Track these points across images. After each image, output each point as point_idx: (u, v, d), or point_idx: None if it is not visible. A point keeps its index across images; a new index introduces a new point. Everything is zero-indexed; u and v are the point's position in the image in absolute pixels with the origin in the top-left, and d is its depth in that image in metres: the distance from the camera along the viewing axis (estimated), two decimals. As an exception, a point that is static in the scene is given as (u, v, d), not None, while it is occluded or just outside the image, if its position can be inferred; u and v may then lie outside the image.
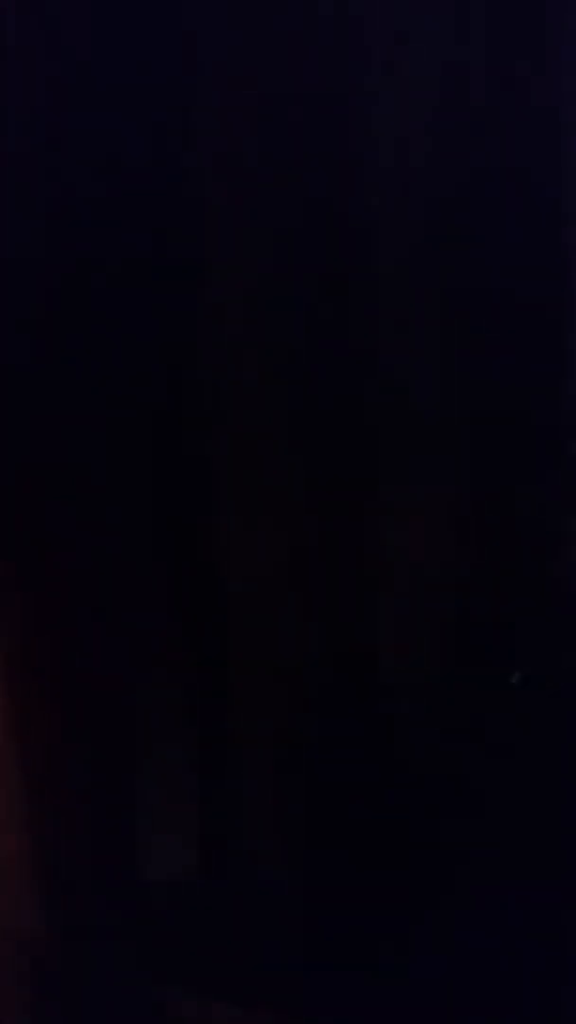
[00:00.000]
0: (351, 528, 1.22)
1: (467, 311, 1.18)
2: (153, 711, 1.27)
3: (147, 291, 1.19)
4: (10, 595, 1.22)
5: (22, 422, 1.20)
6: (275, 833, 1.26)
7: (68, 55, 1.17)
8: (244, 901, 1.26)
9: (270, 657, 1.24)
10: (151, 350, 1.20)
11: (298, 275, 1.18)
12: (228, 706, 1.26)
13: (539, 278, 1.17)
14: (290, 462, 1.22)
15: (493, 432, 1.19)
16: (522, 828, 1.17)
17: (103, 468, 1.21)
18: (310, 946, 1.22)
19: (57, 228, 1.18)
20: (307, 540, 1.23)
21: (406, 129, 1.16)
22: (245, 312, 1.20)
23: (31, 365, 1.20)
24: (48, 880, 1.25)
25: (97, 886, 1.27)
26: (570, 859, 1.16)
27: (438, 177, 1.16)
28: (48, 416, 1.20)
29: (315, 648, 1.24)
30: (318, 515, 1.23)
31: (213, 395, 1.22)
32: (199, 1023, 1.24)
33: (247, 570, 1.24)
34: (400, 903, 1.19)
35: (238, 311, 1.20)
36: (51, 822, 1.25)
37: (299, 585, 1.24)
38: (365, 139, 1.16)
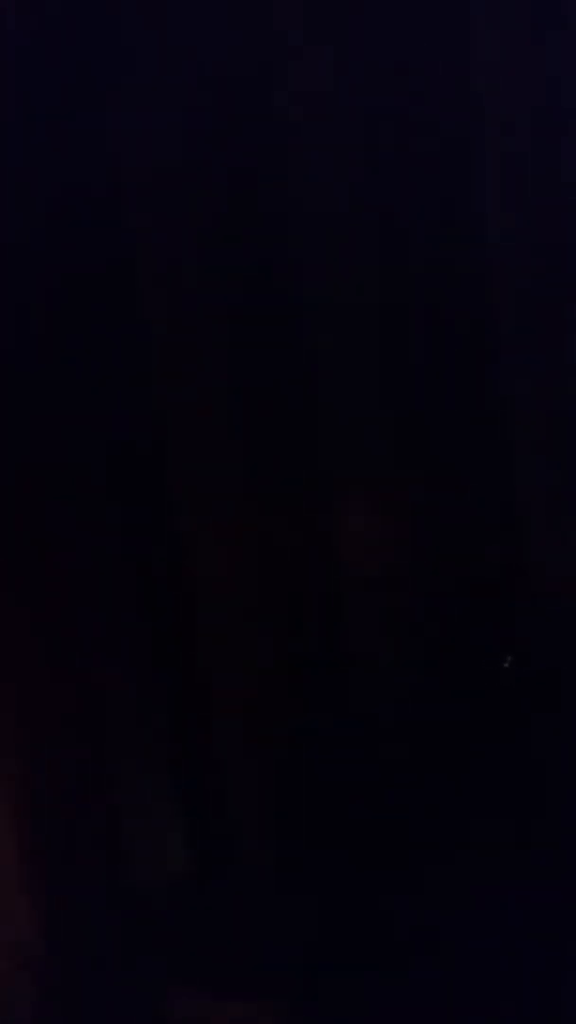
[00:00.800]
0: (319, 527, 1.23)
1: (408, 305, 1.19)
2: (136, 714, 1.27)
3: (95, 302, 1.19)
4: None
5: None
6: (264, 830, 1.27)
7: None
8: (237, 898, 1.26)
9: (248, 656, 1.25)
10: (96, 359, 1.20)
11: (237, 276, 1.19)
12: (211, 707, 1.26)
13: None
14: (253, 459, 1.22)
15: (450, 424, 1.21)
16: (507, 821, 1.18)
17: (61, 471, 1.22)
18: (305, 941, 1.22)
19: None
20: (274, 535, 1.23)
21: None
22: (183, 322, 1.20)
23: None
24: (40, 887, 1.25)
25: (89, 890, 1.27)
26: (555, 848, 1.16)
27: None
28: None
29: (292, 647, 1.25)
30: (284, 513, 1.23)
31: (165, 400, 1.22)
32: (197, 1022, 1.24)
33: (216, 570, 1.24)
34: (393, 896, 1.19)
35: (174, 321, 1.20)
36: (41, 827, 1.25)
37: (269, 584, 1.24)
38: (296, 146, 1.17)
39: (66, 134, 1.14)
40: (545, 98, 1.17)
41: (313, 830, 1.24)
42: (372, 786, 1.22)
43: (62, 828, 1.27)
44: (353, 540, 1.24)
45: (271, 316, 1.19)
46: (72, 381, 1.19)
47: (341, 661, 1.25)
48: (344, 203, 1.18)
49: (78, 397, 1.20)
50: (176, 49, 1.14)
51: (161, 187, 1.17)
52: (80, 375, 1.19)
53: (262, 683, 1.26)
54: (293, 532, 1.25)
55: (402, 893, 1.20)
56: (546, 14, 1.15)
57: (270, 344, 1.20)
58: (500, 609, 1.25)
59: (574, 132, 1.18)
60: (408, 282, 1.19)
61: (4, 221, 1.16)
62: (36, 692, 1.25)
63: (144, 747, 1.28)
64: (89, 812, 1.27)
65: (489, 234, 1.19)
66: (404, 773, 1.22)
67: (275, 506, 1.25)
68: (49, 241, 1.17)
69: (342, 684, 1.25)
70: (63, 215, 1.16)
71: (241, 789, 1.28)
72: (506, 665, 1.23)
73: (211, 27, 1.13)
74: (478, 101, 1.17)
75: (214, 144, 1.15)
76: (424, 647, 1.24)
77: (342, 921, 1.21)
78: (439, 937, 1.19)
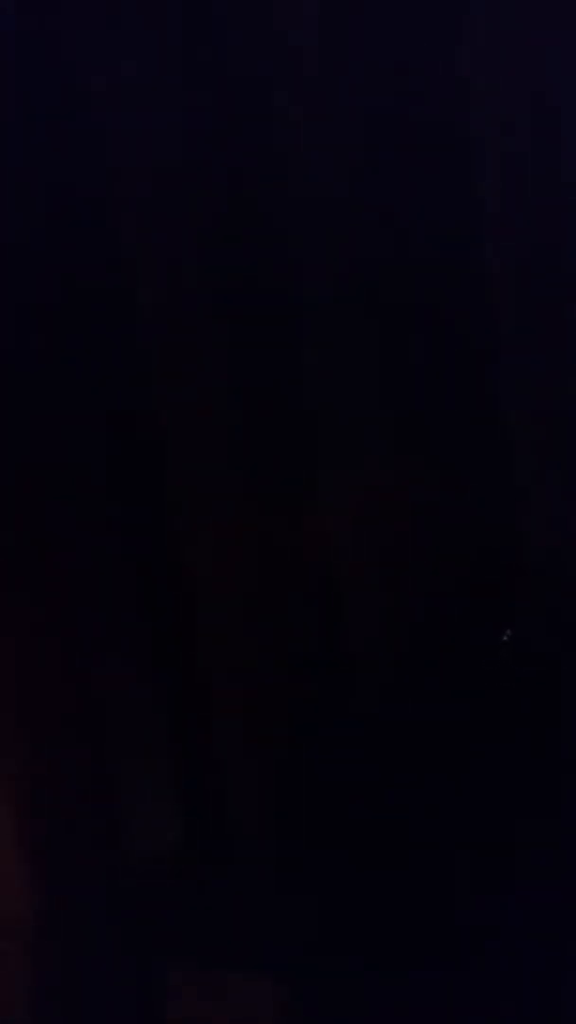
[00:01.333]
0: (316, 524, 1.24)
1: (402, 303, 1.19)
2: (134, 701, 1.28)
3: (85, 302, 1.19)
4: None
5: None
6: (257, 806, 1.28)
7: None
8: (231, 872, 1.27)
9: (243, 642, 1.26)
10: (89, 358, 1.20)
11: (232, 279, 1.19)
12: (208, 696, 1.27)
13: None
14: (250, 456, 1.23)
15: (448, 421, 1.22)
16: (498, 807, 1.19)
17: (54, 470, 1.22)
18: (298, 914, 1.23)
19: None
20: (271, 529, 1.24)
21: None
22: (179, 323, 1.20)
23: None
24: (35, 865, 1.26)
25: (84, 866, 1.28)
26: (555, 844, 1.18)
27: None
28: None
29: (287, 633, 1.26)
30: (281, 509, 1.24)
31: (162, 399, 1.22)
32: (193, 994, 1.25)
33: (212, 564, 1.25)
34: (383, 875, 1.21)
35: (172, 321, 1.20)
36: (35, 807, 1.26)
37: (266, 580, 1.25)
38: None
39: (61, 133, 1.14)
40: (544, 96, 1.17)
41: (311, 818, 1.25)
42: (370, 774, 1.23)
43: (59, 811, 1.27)
44: (350, 537, 1.25)
45: (268, 315, 1.19)
46: (68, 380, 1.19)
47: (338, 654, 1.26)
48: (342, 201, 1.18)
49: (74, 396, 1.19)
50: (172, 47, 1.13)
51: (157, 186, 1.16)
52: (76, 374, 1.19)
53: (260, 674, 1.27)
54: (290, 526, 1.25)
55: (401, 879, 1.21)
56: (544, 13, 1.15)
57: (268, 343, 1.20)
58: (498, 606, 1.25)
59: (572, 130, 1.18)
60: (406, 280, 1.19)
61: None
62: (34, 679, 1.26)
63: (141, 731, 1.29)
64: (86, 794, 1.28)
65: (488, 232, 1.19)
66: (400, 761, 1.23)
67: (272, 503, 1.25)
68: (45, 240, 1.16)
69: (339, 676, 1.26)
70: (58, 214, 1.15)
71: (239, 774, 1.29)
72: (505, 639, 1.24)
73: (209, 25, 1.12)
74: (476, 98, 1.16)
75: (211, 143, 1.14)
76: (422, 643, 1.25)
77: (340, 905, 1.23)
78: (438, 923, 1.20)
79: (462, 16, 1.15)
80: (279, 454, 1.23)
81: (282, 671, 1.27)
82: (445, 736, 1.21)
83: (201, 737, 1.28)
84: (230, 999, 1.25)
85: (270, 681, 1.27)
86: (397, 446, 1.24)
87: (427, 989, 1.18)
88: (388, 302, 1.20)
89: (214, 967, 1.27)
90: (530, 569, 1.25)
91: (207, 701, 1.27)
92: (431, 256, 1.19)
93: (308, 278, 1.19)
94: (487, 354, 1.22)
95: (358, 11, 1.13)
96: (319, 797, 1.25)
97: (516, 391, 1.23)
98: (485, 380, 1.22)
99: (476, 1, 1.14)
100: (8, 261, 1.16)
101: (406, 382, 1.22)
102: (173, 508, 1.23)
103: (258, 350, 1.21)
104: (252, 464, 1.24)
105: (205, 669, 1.27)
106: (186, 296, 1.19)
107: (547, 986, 1.16)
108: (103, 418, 1.20)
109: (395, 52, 1.15)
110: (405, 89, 1.16)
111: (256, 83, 1.14)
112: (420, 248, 1.18)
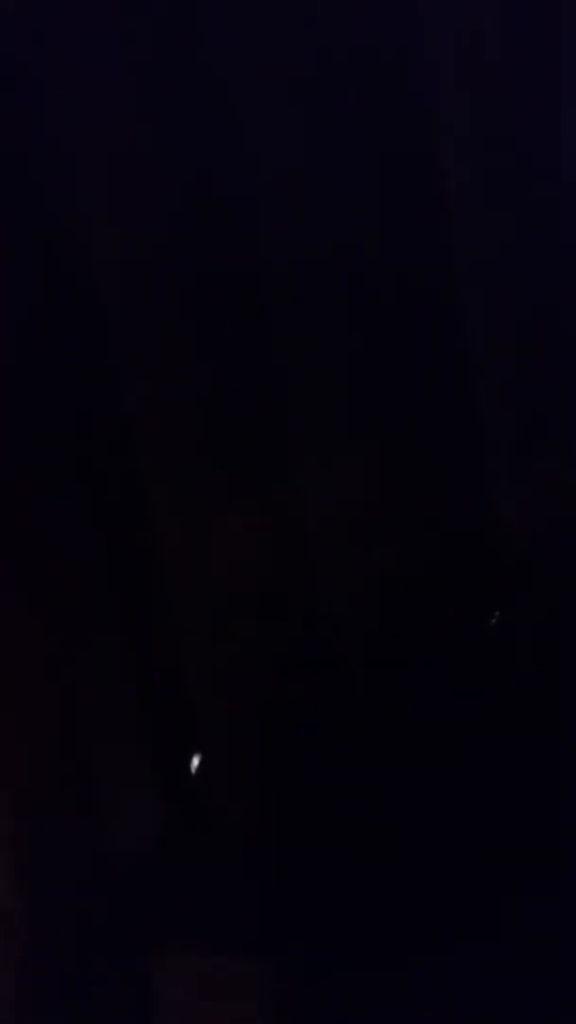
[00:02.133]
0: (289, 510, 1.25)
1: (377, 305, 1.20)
2: (112, 685, 1.28)
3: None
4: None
5: None
6: (238, 790, 1.29)
7: None
8: (215, 856, 1.28)
9: (219, 623, 1.27)
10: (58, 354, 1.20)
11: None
12: (183, 669, 1.28)
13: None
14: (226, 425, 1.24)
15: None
16: (483, 791, 1.20)
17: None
18: (284, 896, 1.24)
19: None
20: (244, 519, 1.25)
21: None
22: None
23: None
24: (22, 859, 1.27)
25: (69, 857, 1.29)
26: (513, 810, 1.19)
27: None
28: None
29: (264, 614, 1.27)
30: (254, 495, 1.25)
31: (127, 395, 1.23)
32: (182, 978, 1.26)
33: (188, 559, 1.25)
34: (371, 863, 1.22)
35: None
36: (20, 800, 1.27)
37: (242, 567, 1.26)
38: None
39: (26, 133, 1.14)
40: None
41: (296, 807, 1.26)
42: (354, 762, 1.24)
43: (42, 802, 1.28)
44: (323, 527, 1.25)
45: (240, 313, 1.19)
46: (37, 378, 1.19)
47: (318, 649, 1.27)
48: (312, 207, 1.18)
49: (45, 394, 1.20)
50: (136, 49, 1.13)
51: (121, 181, 1.16)
52: (45, 372, 1.19)
53: (241, 667, 1.28)
54: (264, 515, 1.26)
55: (389, 867, 1.22)
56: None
57: (238, 342, 1.20)
58: (478, 593, 1.26)
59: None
60: (377, 283, 1.20)
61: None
62: (12, 672, 1.26)
63: (121, 721, 1.30)
64: (69, 785, 1.29)
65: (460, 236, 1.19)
66: (382, 749, 1.24)
67: (246, 491, 1.25)
68: (10, 240, 1.17)
69: (319, 670, 1.27)
70: (24, 216, 1.16)
71: (221, 761, 1.30)
72: (493, 621, 1.24)
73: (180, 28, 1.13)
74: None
75: (177, 145, 1.14)
76: (400, 631, 1.25)
77: (327, 893, 1.23)
78: (425, 910, 1.21)
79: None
80: (251, 441, 1.24)
81: (261, 664, 1.27)
82: (427, 725, 1.22)
83: (184, 726, 1.29)
84: (218, 988, 1.25)
85: (251, 675, 1.27)
86: (370, 436, 1.24)
87: (417, 977, 1.19)
88: (359, 296, 1.20)
89: (201, 956, 1.27)
90: (510, 556, 1.26)
91: (188, 689, 1.28)
92: (402, 249, 1.19)
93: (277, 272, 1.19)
94: (458, 342, 1.22)
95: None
96: (303, 786, 1.25)
97: (490, 379, 1.23)
98: (459, 370, 1.23)
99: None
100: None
101: (378, 377, 1.22)
102: (146, 497, 1.24)
103: (230, 346, 1.21)
104: (226, 453, 1.24)
105: (184, 662, 1.27)
106: (153, 293, 1.19)
107: (516, 972, 1.17)
108: (73, 415, 1.20)
109: (361, 42, 1.14)
110: (373, 79, 1.15)
111: (223, 76, 1.14)
112: (391, 241, 1.18)
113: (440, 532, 1.26)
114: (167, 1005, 1.26)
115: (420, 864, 1.21)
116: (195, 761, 1.29)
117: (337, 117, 1.15)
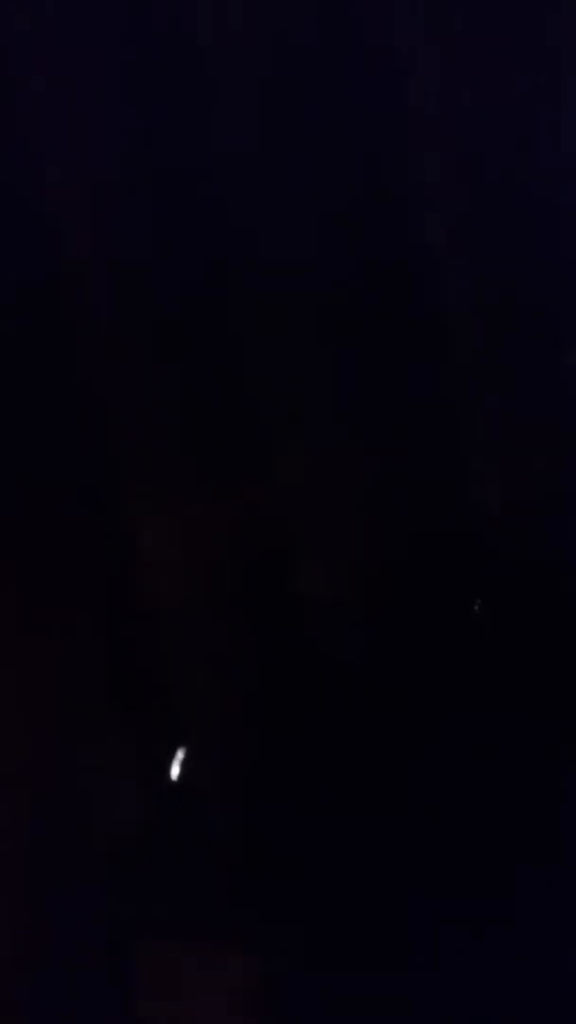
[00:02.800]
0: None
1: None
2: (89, 675, 1.29)
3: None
4: None
5: None
6: (225, 784, 1.30)
7: None
8: (196, 844, 1.29)
9: (202, 613, 1.27)
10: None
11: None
12: (168, 660, 1.29)
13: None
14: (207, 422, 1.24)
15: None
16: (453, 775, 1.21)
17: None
18: (272, 888, 1.25)
19: None
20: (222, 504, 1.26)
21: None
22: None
23: None
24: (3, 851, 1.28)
25: (53, 850, 1.30)
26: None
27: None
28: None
29: (248, 607, 1.28)
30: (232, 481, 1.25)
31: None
32: (169, 970, 1.27)
33: (164, 555, 1.26)
34: (352, 845, 1.22)
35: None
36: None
37: (221, 555, 1.26)
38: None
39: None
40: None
41: (277, 794, 1.27)
42: (337, 747, 1.25)
43: (22, 791, 1.29)
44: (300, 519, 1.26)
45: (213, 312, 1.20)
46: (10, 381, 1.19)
47: (301, 644, 1.27)
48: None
49: (16, 395, 1.20)
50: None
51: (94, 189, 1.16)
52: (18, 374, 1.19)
53: (220, 644, 1.28)
54: (239, 504, 1.26)
55: (370, 852, 1.23)
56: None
57: (213, 338, 1.20)
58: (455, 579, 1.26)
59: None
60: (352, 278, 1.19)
61: None
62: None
63: (104, 705, 1.30)
64: (48, 772, 1.29)
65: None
66: (362, 733, 1.25)
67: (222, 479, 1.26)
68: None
69: (301, 663, 1.27)
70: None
71: (205, 745, 1.30)
72: (476, 609, 1.25)
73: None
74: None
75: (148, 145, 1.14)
76: (380, 618, 1.26)
77: (308, 880, 1.24)
78: (404, 893, 1.21)
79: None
80: (230, 435, 1.24)
81: (247, 656, 1.28)
82: (417, 717, 1.23)
83: (169, 718, 1.30)
84: (206, 980, 1.26)
85: (237, 666, 1.28)
86: (344, 424, 1.24)
87: (406, 972, 1.20)
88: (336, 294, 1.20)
89: (183, 943, 1.28)
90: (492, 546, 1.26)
91: (173, 679, 1.29)
92: (377, 252, 1.19)
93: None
94: (436, 332, 1.22)
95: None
96: (292, 778, 1.26)
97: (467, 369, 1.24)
98: (437, 360, 1.23)
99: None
100: None
101: (354, 367, 1.22)
102: (126, 490, 1.24)
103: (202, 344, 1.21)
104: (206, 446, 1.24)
105: (168, 655, 1.28)
106: (127, 298, 1.20)
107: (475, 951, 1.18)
108: (48, 411, 1.20)
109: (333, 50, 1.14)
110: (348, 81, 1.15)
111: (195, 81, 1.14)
112: (365, 242, 1.19)
113: (422, 522, 1.26)
114: (153, 996, 1.27)
115: (410, 858, 1.21)
116: (181, 754, 1.30)
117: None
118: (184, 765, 1.29)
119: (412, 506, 1.26)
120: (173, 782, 1.29)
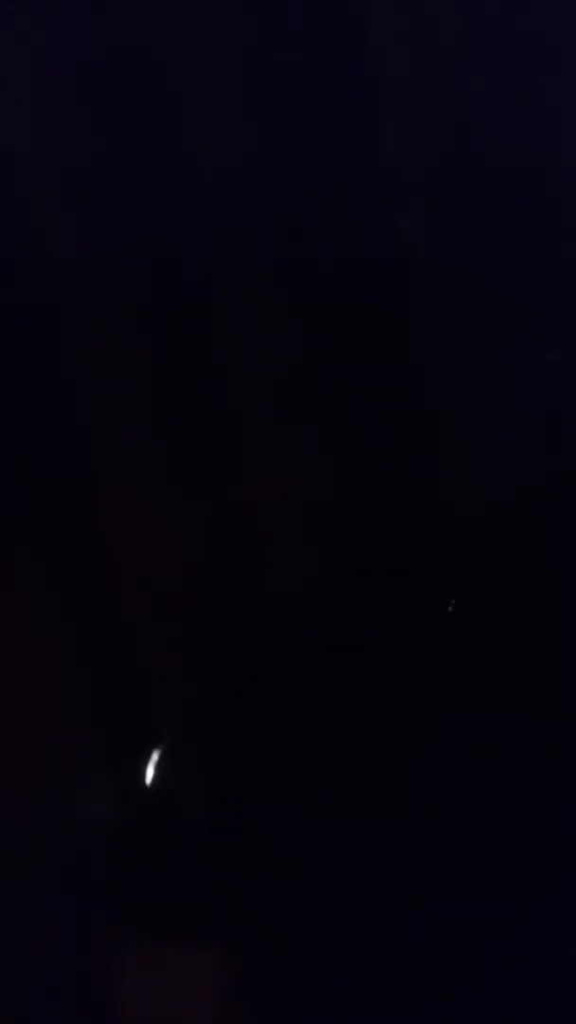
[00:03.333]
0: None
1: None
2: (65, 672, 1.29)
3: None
4: None
5: None
6: (195, 782, 1.29)
7: None
8: (166, 840, 1.28)
9: (174, 612, 1.26)
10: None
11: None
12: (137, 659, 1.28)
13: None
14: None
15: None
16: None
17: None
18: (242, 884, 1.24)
19: None
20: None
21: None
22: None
23: None
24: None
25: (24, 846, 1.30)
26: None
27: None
28: None
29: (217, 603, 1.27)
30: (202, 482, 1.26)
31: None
32: (140, 966, 1.26)
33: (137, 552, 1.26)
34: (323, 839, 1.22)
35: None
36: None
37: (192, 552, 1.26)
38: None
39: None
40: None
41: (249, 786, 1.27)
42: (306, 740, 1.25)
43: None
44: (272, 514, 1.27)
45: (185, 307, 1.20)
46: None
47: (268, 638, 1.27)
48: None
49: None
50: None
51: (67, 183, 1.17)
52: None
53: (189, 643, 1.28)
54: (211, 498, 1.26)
55: (342, 841, 1.22)
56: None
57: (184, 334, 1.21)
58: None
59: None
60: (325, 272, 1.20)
61: None
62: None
63: (75, 703, 1.29)
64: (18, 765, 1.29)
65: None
66: (328, 723, 1.24)
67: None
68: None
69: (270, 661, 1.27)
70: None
71: (177, 742, 1.30)
72: (450, 609, 1.25)
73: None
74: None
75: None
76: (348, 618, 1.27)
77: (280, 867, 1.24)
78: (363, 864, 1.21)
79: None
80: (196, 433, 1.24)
81: (216, 654, 1.28)
82: (388, 713, 1.22)
83: (141, 716, 1.29)
84: (172, 972, 1.26)
85: (208, 663, 1.28)
86: (314, 424, 1.24)
87: (376, 968, 1.19)
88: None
89: (154, 939, 1.28)
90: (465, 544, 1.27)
91: (144, 678, 1.28)
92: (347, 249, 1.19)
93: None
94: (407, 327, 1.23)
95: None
96: (263, 776, 1.26)
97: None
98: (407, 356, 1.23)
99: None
100: None
101: (326, 365, 1.22)
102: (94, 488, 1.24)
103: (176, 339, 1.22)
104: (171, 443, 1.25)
105: (137, 653, 1.28)
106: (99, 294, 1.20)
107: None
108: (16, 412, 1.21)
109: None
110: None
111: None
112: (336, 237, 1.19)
113: (395, 520, 1.26)
114: (123, 992, 1.27)
115: (379, 853, 1.20)
116: (154, 752, 1.30)
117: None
118: (159, 765, 1.29)
119: (391, 505, 1.26)
120: (150, 782, 1.30)
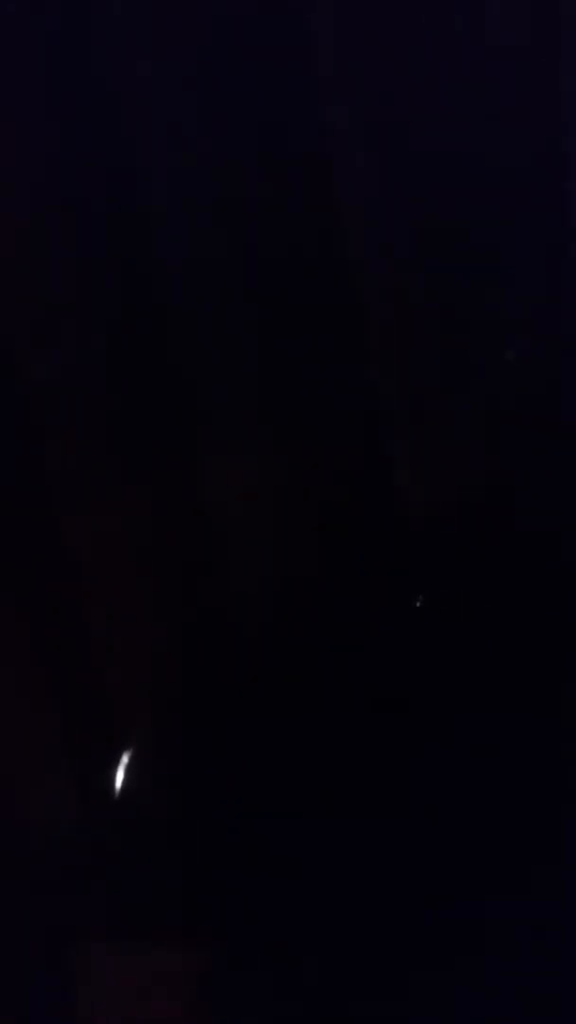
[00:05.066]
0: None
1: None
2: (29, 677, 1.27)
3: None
4: None
5: None
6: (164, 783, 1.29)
7: None
8: (135, 840, 1.27)
9: (137, 613, 1.27)
10: None
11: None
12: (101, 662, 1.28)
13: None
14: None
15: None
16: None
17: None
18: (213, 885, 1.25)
19: None
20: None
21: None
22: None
23: None
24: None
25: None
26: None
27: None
28: None
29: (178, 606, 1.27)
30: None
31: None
32: (110, 969, 1.25)
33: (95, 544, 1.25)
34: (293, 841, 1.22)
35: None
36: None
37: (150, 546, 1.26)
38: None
39: None
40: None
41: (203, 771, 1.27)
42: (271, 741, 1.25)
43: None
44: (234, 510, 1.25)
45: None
46: None
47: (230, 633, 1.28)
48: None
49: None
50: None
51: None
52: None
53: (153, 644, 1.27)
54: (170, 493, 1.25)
55: (318, 842, 1.22)
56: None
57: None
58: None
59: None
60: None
61: None
62: None
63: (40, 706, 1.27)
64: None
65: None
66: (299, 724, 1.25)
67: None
68: None
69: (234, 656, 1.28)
70: None
71: (144, 745, 1.29)
72: (417, 605, 1.26)
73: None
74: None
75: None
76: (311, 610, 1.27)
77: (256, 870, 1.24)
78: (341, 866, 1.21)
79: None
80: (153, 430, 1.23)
81: (180, 657, 1.28)
82: (355, 714, 1.24)
83: (107, 718, 1.28)
84: (147, 980, 1.25)
85: (171, 665, 1.28)
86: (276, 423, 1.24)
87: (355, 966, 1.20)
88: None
89: (127, 940, 1.27)
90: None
91: (109, 680, 1.27)
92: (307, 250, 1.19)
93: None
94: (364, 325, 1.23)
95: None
96: (232, 777, 1.26)
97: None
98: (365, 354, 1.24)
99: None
100: None
101: (283, 365, 1.22)
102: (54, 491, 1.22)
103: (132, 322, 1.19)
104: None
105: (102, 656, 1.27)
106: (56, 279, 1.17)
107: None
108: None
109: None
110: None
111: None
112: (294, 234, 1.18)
113: (350, 518, 1.27)
114: (93, 996, 1.25)
115: (352, 853, 1.21)
116: (122, 754, 1.29)
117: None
118: (129, 770, 1.28)
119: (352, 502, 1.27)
120: (118, 786, 1.29)
